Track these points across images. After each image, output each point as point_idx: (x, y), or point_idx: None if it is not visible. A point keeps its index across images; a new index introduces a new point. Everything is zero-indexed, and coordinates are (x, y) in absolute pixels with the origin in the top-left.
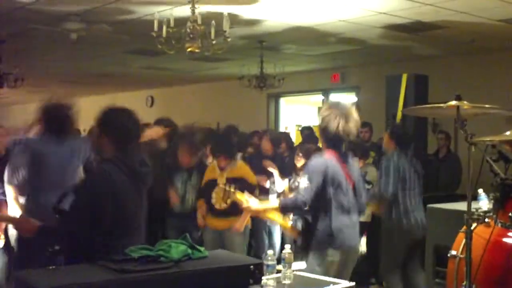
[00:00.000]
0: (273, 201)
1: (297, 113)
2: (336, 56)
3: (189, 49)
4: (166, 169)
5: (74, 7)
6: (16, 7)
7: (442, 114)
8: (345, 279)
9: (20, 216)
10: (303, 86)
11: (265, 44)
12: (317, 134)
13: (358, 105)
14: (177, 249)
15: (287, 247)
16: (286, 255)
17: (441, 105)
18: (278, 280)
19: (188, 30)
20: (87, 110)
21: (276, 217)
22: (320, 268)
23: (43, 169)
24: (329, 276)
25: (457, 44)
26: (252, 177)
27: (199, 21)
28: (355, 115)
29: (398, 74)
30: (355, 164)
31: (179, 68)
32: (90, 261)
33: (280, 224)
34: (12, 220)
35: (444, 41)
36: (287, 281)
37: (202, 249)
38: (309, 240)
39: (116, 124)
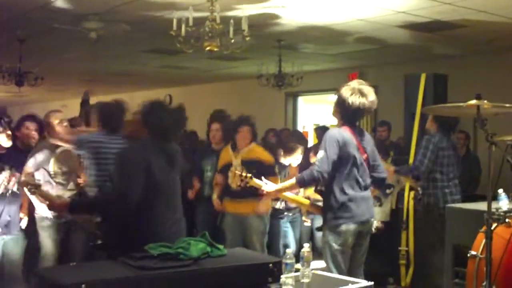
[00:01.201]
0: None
1: (315, 112)
2: (354, 55)
3: (207, 48)
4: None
5: (94, 6)
6: (36, 6)
7: (461, 114)
8: (361, 253)
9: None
10: (321, 85)
11: (283, 43)
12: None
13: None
14: (196, 247)
15: (306, 245)
16: (305, 254)
17: (461, 104)
18: (296, 279)
19: (207, 29)
20: None
21: (296, 196)
22: (336, 243)
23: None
24: (345, 249)
25: (476, 43)
26: (267, 157)
27: (218, 20)
28: (372, 93)
29: (417, 73)
30: (370, 139)
31: (197, 67)
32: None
33: (300, 203)
34: (47, 197)
35: (463, 40)
36: (305, 280)
37: (221, 247)
38: (323, 214)
39: (156, 119)
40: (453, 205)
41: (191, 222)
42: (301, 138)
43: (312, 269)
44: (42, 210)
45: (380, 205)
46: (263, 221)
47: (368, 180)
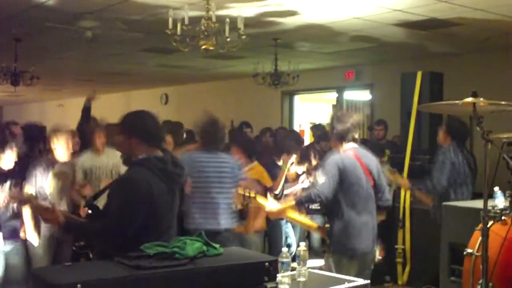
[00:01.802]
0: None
1: (312, 110)
2: (350, 54)
3: (203, 47)
4: None
5: (89, 5)
6: (31, 5)
7: (457, 111)
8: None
9: (49, 207)
10: (318, 83)
11: (279, 41)
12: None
13: (372, 103)
14: (192, 246)
15: (302, 244)
16: (301, 253)
17: (457, 102)
18: (293, 278)
19: (203, 27)
20: (102, 108)
21: (301, 218)
22: (339, 268)
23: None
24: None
25: (473, 41)
26: (266, 180)
27: (214, 19)
28: (352, 116)
29: (413, 71)
30: (374, 159)
31: (193, 66)
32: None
33: (306, 225)
34: (41, 209)
35: (459, 39)
36: (302, 279)
37: (217, 246)
38: (330, 237)
39: (143, 125)
40: (449, 203)
41: None
42: (298, 140)
43: (308, 268)
44: (32, 238)
45: None
46: (261, 236)
47: (374, 206)
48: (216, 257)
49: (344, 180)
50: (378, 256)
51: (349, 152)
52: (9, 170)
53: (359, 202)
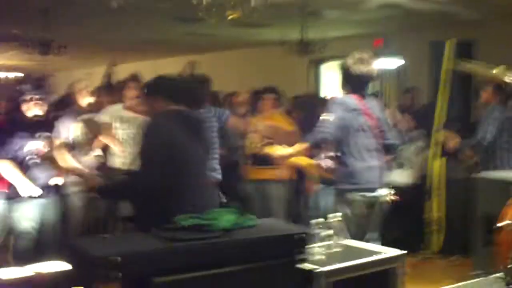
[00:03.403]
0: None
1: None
2: (378, 22)
3: (230, 17)
4: None
5: None
6: None
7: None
8: (374, 224)
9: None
10: (345, 51)
11: (307, 9)
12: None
13: (401, 71)
14: (227, 217)
15: (337, 214)
16: (335, 223)
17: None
18: (327, 248)
19: None
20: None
21: (300, 160)
22: (344, 207)
23: None
24: (355, 219)
25: (506, 7)
26: (288, 126)
27: None
28: (371, 61)
29: (442, 40)
30: (378, 105)
31: (220, 34)
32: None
33: (305, 165)
34: (80, 172)
35: (490, 5)
36: (336, 249)
37: (252, 217)
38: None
39: (165, 84)
40: (483, 175)
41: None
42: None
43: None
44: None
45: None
46: (283, 187)
47: (378, 146)
48: (250, 228)
49: (347, 119)
50: (388, 199)
51: (352, 95)
52: (39, 121)
53: (363, 143)
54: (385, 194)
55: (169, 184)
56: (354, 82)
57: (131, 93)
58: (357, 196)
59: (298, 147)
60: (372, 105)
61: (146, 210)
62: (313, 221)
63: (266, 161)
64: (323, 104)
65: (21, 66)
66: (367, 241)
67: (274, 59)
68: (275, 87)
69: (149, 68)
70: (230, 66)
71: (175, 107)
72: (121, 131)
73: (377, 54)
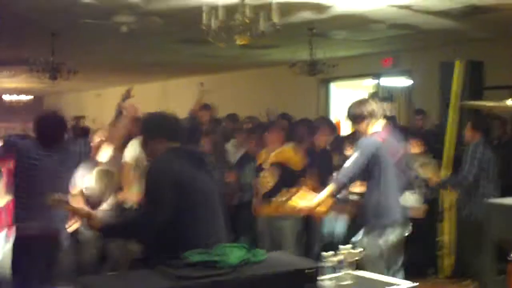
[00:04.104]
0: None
1: (349, 97)
2: (387, 41)
3: (238, 42)
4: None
5: (125, 0)
6: (68, 1)
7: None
8: (399, 255)
9: (86, 210)
10: (354, 70)
11: (315, 31)
12: None
13: (410, 90)
14: (236, 253)
15: (347, 247)
16: (347, 254)
17: (499, 104)
18: (338, 280)
19: (237, 21)
20: (139, 98)
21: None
22: (378, 246)
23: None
24: (386, 252)
25: None
26: (295, 163)
27: (248, 12)
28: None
29: (452, 60)
30: (400, 139)
31: (229, 55)
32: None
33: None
34: (79, 212)
35: (500, 24)
36: (348, 282)
37: (260, 252)
38: (364, 216)
39: (160, 124)
40: (493, 201)
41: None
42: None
43: (354, 270)
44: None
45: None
46: (295, 220)
47: (402, 180)
48: (259, 264)
49: (375, 159)
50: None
51: (376, 134)
52: None
53: (391, 182)
54: (408, 224)
55: (181, 220)
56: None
57: None
58: (389, 230)
59: (323, 197)
60: (395, 140)
61: (155, 246)
62: (325, 254)
63: (274, 196)
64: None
65: (31, 89)
66: (394, 271)
67: (283, 78)
68: (280, 117)
69: (159, 89)
70: (239, 86)
71: (176, 145)
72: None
73: (385, 73)
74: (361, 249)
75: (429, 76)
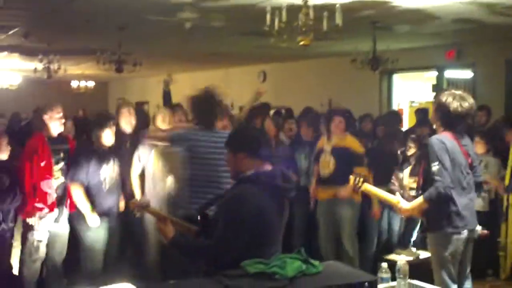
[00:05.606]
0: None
1: (411, 89)
2: (451, 34)
3: (301, 43)
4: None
5: None
6: None
7: None
8: (468, 260)
9: (163, 215)
10: (417, 62)
11: (378, 25)
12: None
13: (474, 82)
14: (292, 265)
15: (403, 259)
16: (401, 266)
17: None
18: None
19: (300, 22)
20: (202, 84)
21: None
22: (447, 251)
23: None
24: (456, 257)
25: None
26: (358, 148)
27: (311, 14)
28: (470, 98)
29: None
30: (470, 142)
31: (291, 47)
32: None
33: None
34: (158, 216)
35: None
36: None
37: (316, 263)
38: (432, 220)
39: (247, 139)
40: None
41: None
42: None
43: (410, 281)
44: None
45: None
46: (354, 208)
47: (472, 185)
48: (315, 276)
49: (452, 163)
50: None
51: (447, 133)
52: (110, 148)
53: (462, 183)
54: (478, 229)
55: (246, 254)
56: (450, 120)
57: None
58: (462, 235)
59: (416, 205)
60: (466, 143)
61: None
62: (382, 265)
63: (335, 180)
64: None
65: (96, 75)
66: (462, 277)
67: (346, 69)
68: (346, 109)
69: (221, 76)
70: (300, 75)
71: (259, 165)
72: None
73: (448, 65)
74: (418, 255)
75: (493, 70)
